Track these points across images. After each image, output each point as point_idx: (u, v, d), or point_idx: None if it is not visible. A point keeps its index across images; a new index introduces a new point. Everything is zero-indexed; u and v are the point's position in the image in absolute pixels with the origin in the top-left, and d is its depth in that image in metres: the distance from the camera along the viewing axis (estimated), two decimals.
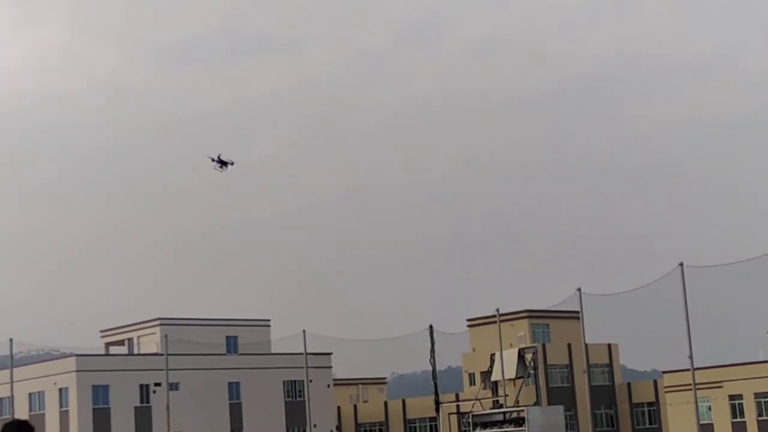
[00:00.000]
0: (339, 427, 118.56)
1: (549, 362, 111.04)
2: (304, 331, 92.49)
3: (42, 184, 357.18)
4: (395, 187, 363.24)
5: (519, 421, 68.52)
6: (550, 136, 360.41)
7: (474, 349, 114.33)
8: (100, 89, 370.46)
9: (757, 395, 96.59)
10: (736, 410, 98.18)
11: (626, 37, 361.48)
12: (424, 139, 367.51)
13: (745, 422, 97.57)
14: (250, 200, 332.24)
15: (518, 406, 77.67)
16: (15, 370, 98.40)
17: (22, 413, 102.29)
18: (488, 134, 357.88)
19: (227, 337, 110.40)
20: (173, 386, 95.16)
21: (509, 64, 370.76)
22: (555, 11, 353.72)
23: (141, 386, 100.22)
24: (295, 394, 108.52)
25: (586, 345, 75.25)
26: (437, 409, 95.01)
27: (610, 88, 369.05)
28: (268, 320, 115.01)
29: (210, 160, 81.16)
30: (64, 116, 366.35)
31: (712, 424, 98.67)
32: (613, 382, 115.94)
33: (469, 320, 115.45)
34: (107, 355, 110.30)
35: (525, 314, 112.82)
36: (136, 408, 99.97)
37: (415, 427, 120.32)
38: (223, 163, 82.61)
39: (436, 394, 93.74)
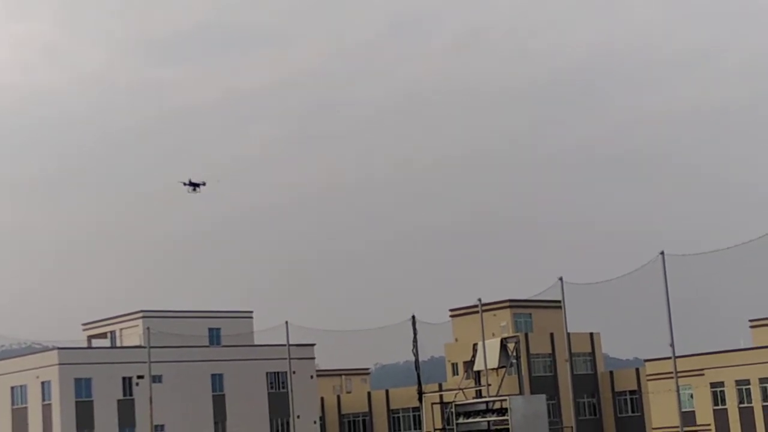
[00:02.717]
0: (322, 418, 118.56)
1: (531, 351, 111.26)
2: (286, 323, 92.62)
3: (27, 180, 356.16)
4: (378, 179, 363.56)
5: (502, 411, 68.51)
6: (534, 127, 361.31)
7: (456, 339, 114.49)
8: (87, 84, 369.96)
9: (738, 383, 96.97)
10: (718, 398, 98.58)
11: (611, 29, 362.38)
12: (408, 131, 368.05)
13: (726, 409, 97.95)
14: (234, 193, 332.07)
15: (501, 396, 77.74)
16: None
17: (4, 407, 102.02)
18: (472, 126, 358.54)
19: (210, 329, 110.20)
20: (156, 378, 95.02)
21: (494, 57, 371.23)
22: (540, 3, 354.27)
23: (124, 379, 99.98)
24: (278, 386, 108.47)
25: (568, 334, 75.44)
26: (420, 400, 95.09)
27: (595, 80, 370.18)
28: (251, 312, 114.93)
29: (182, 184, 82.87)
30: (51, 111, 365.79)
31: (693, 412, 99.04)
32: (596, 370, 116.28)
33: (451, 310, 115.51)
34: (89, 348, 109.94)
35: (507, 304, 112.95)
36: (119, 401, 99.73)
37: (398, 417, 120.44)
38: (194, 186, 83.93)
39: (419, 384, 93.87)
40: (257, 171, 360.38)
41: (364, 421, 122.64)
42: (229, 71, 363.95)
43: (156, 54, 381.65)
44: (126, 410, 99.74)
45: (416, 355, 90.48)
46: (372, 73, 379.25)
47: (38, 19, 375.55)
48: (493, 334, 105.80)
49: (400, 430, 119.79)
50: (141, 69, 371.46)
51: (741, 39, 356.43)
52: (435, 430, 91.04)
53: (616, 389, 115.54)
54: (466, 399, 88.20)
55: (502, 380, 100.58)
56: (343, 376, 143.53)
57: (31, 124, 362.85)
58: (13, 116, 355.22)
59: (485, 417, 70.16)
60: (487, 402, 73.13)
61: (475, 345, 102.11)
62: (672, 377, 64.05)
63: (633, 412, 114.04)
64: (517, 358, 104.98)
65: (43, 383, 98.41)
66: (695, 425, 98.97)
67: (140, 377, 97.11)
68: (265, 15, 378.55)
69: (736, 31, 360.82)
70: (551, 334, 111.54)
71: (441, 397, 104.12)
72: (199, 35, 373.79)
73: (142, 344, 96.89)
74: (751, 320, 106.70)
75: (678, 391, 64.86)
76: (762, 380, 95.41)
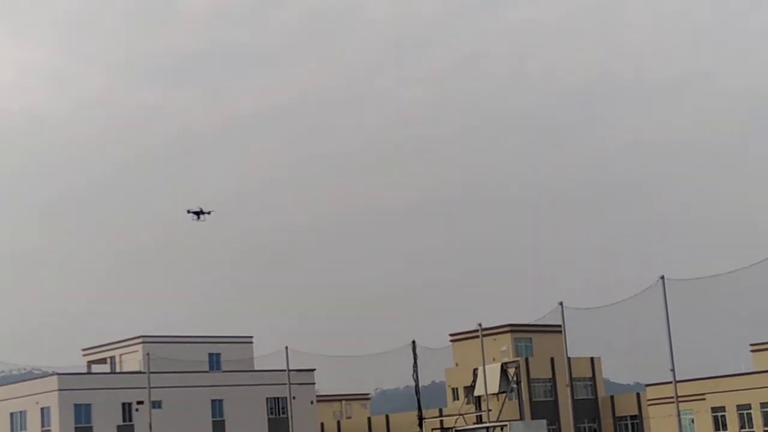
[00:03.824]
0: None
1: (532, 376, 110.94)
2: (286, 348, 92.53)
3: (27, 206, 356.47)
4: (378, 204, 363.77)
5: None
6: (531, 152, 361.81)
7: (457, 364, 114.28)
8: (89, 109, 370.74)
9: (739, 407, 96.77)
10: (719, 423, 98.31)
11: (605, 55, 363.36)
12: (408, 156, 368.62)
13: None
14: (234, 218, 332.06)
15: (501, 421, 77.76)
16: None
17: None
18: (471, 150, 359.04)
19: (210, 354, 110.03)
20: (156, 404, 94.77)
21: (492, 81, 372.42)
22: (536, 29, 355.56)
23: (123, 404, 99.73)
24: (278, 411, 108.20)
25: (568, 359, 75.35)
26: (421, 425, 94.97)
27: (590, 106, 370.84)
28: (251, 337, 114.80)
29: (187, 212, 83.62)
30: (53, 136, 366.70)
31: None
32: (596, 395, 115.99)
33: (451, 335, 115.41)
34: (89, 373, 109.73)
35: (507, 328, 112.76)
36: (118, 426, 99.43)
37: None
38: (198, 214, 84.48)
39: (420, 409, 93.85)
40: (258, 196, 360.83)
41: None
42: (230, 95, 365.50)
43: (157, 79, 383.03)
44: None
45: (416, 380, 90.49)
46: (370, 98, 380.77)
47: (40, 45, 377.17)
48: (494, 359, 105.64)
49: None
50: (142, 94, 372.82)
51: (734, 66, 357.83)
52: None
53: (617, 414, 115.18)
54: (467, 424, 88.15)
55: (502, 405, 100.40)
56: (344, 402, 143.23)
57: (33, 149, 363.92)
58: (15, 141, 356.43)
59: None
60: (487, 427, 73.20)
61: (475, 370, 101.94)
62: (673, 402, 63.93)
63: None
64: (518, 383, 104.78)
65: (42, 409, 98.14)
66: None
67: (140, 403, 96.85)
68: (265, 40, 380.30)
69: (728, 58, 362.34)
70: (552, 359, 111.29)
71: (441, 422, 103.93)
72: (199, 60, 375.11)
73: (142, 369, 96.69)
74: (752, 344, 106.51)
75: (679, 415, 64.74)
76: (763, 405, 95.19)
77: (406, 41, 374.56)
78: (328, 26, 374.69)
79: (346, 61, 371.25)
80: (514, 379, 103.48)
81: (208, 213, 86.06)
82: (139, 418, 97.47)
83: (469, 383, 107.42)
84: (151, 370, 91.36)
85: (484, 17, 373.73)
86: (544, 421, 79.05)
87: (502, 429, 70.59)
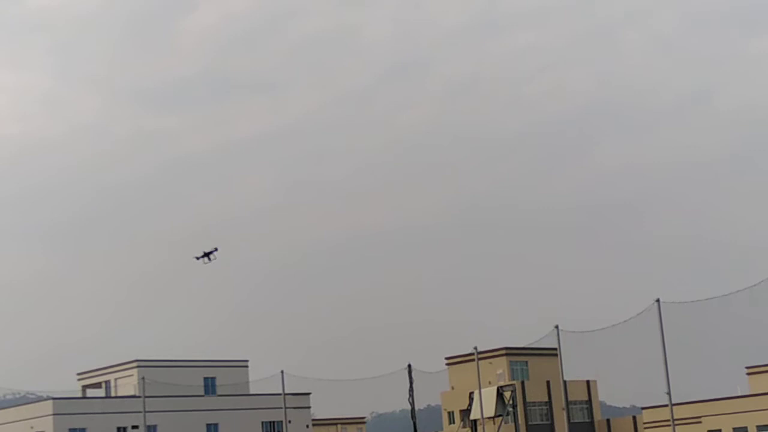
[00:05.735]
0: None
1: (528, 399, 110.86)
2: (282, 372, 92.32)
3: (23, 232, 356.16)
4: (374, 228, 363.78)
5: None
6: (528, 175, 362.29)
7: (453, 388, 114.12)
8: (83, 133, 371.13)
9: (735, 430, 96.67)
10: None
11: (603, 78, 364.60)
12: (404, 180, 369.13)
13: None
14: (230, 241, 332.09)
15: None
16: None
17: None
18: (468, 174, 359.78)
19: (205, 379, 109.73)
20: (151, 428, 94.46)
21: (490, 104, 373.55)
22: (534, 54, 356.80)
23: (119, 429, 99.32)
24: None
25: (564, 382, 75.27)
26: None
27: (587, 129, 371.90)
28: (246, 361, 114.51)
29: (195, 258, 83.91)
30: (48, 161, 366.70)
31: None
32: (593, 418, 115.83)
33: (447, 358, 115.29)
34: (84, 398, 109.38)
35: (503, 352, 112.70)
36: None
37: None
38: (207, 255, 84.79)
39: None
40: (254, 220, 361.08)
41: None
42: (224, 120, 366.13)
43: (152, 103, 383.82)
44: None
45: (412, 403, 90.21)
46: (367, 121, 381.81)
47: (34, 70, 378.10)
48: (490, 382, 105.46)
49: None
50: (137, 118, 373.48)
51: (729, 89, 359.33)
52: None
53: None
54: None
55: (498, 429, 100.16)
56: (339, 425, 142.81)
57: (27, 175, 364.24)
58: (9, 167, 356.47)
59: None
60: None
61: (471, 393, 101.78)
62: (669, 425, 63.81)
63: None
64: (514, 406, 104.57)
65: None
66: None
67: (135, 427, 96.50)
68: (260, 63, 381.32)
69: (723, 81, 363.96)
70: (548, 382, 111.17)
71: None
72: (194, 84, 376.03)
73: (137, 394, 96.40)
74: (747, 367, 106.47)
75: None
76: (760, 428, 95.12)
77: (403, 65, 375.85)
78: (324, 51, 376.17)
79: (342, 86, 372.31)
80: (510, 402, 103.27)
81: (215, 250, 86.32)
82: None
83: (465, 407, 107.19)
84: (147, 395, 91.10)
85: (482, 42, 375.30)
86: None
87: None
